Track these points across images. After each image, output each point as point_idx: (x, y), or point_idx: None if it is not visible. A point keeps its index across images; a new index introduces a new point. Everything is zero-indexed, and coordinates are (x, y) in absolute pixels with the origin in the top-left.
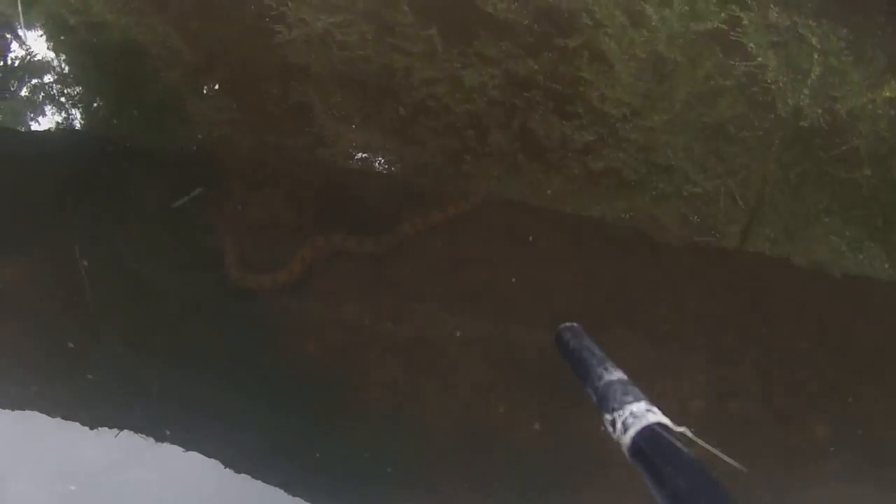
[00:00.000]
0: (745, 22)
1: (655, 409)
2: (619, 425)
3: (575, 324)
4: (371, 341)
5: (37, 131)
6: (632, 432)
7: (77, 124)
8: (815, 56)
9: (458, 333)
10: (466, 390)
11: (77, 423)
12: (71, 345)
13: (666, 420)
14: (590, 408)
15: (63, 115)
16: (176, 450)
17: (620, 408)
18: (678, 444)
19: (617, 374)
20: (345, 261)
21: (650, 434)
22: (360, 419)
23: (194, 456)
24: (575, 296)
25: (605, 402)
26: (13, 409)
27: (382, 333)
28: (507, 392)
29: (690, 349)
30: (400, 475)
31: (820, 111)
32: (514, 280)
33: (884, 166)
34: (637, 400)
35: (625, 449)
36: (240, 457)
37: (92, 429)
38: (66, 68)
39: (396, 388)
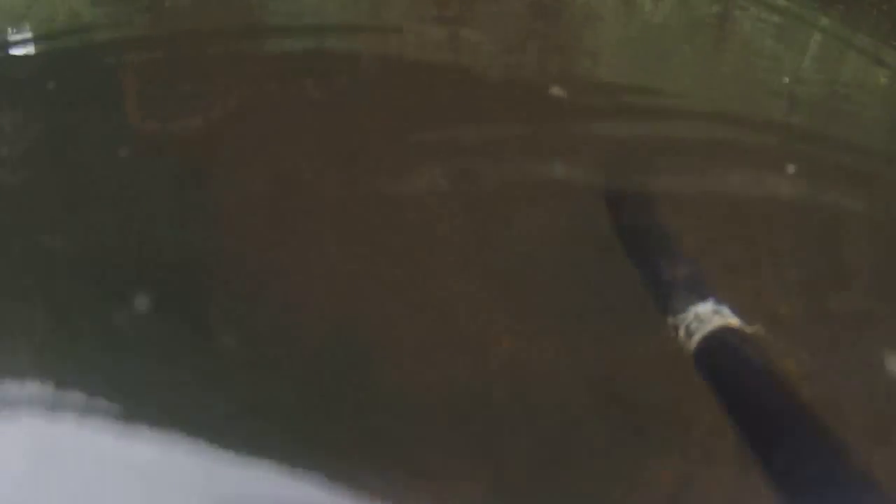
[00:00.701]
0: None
1: (724, 310)
2: (681, 331)
3: (631, 187)
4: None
5: None
6: (697, 338)
7: None
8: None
9: None
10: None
11: None
12: None
13: (735, 321)
14: None
15: None
16: None
17: (684, 310)
18: (748, 349)
19: (683, 265)
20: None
21: (717, 340)
22: None
23: None
24: None
25: (667, 300)
26: None
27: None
28: None
29: None
30: None
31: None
32: None
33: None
34: (702, 299)
35: (690, 357)
36: None
37: None
38: None
39: None
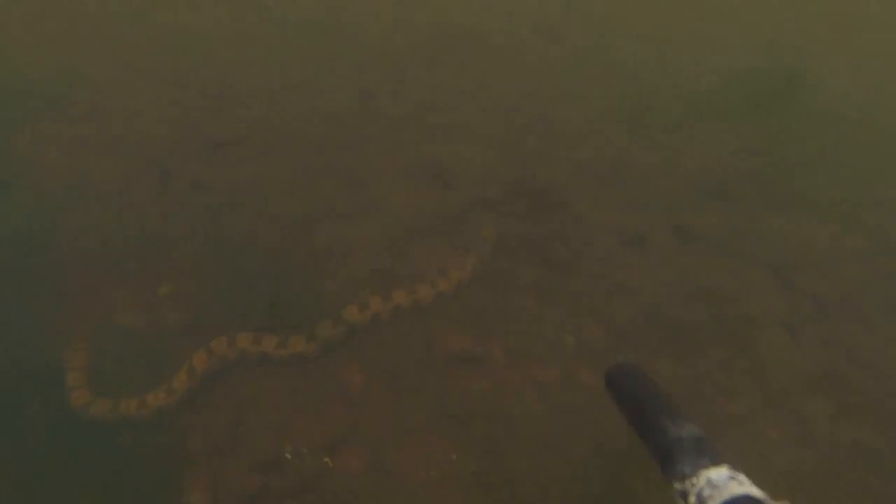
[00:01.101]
0: None
1: (741, 477)
2: (692, 498)
3: (630, 361)
4: None
5: None
6: None
7: None
8: None
9: None
10: None
11: None
12: None
13: (757, 492)
14: None
15: None
16: None
17: (694, 474)
18: None
19: (688, 428)
20: (255, 368)
21: None
22: None
23: None
24: None
25: (671, 464)
26: None
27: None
28: None
29: None
30: None
31: None
32: None
33: None
34: (715, 463)
35: None
36: None
37: None
38: None
39: None
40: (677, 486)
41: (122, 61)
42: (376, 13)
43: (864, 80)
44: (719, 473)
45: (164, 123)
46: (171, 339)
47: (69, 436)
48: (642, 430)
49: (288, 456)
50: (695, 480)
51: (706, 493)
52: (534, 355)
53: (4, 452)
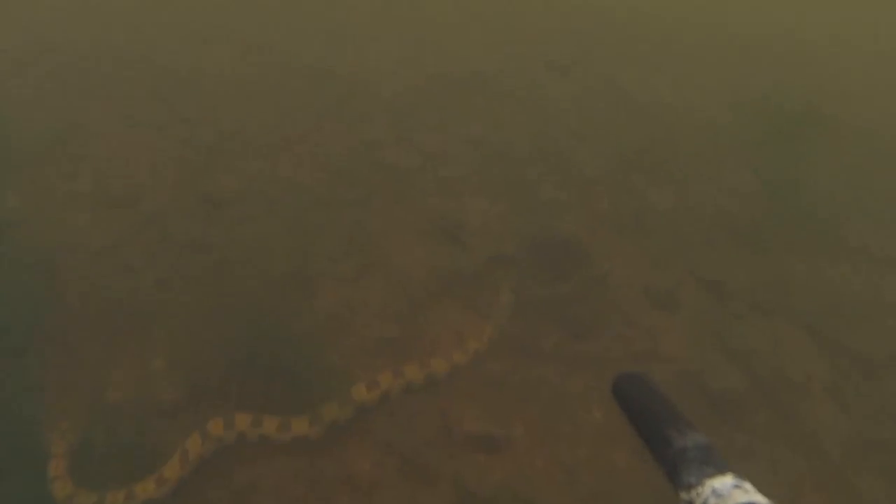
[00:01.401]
0: None
1: (747, 485)
2: None
3: (638, 371)
4: None
5: None
6: None
7: None
8: None
9: None
10: None
11: None
12: None
13: (762, 500)
14: None
15: None
16: None
17: (699, 483)
18: None
19: (693, 437)
20: (255, 452)
21: None
22: None
23: None
24: None
25: (677, 474)
26: None
27: None
28: None
29: None
30: None
31: None
32: None
33: None
34: (720, 471)
35: None
36: None
37: None
38: None
39: None
40: (684, 496)
41: (117, 112)
42: (379, 57)
43: (879, 115)
44: (724, 482)
45: (161, 178)
46: (164, 420)
47: None
48: (649, 442)
49: None
50: (700, 490)
51: (711, 502)
52: (559, 434)
53: None
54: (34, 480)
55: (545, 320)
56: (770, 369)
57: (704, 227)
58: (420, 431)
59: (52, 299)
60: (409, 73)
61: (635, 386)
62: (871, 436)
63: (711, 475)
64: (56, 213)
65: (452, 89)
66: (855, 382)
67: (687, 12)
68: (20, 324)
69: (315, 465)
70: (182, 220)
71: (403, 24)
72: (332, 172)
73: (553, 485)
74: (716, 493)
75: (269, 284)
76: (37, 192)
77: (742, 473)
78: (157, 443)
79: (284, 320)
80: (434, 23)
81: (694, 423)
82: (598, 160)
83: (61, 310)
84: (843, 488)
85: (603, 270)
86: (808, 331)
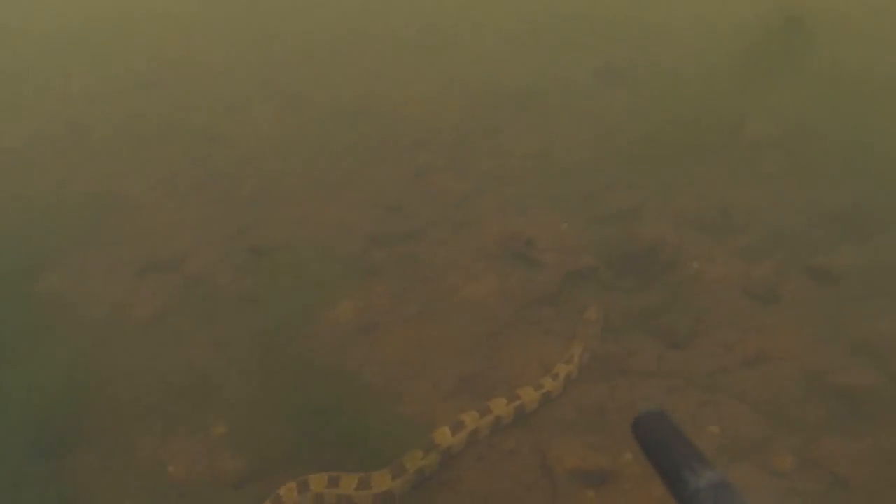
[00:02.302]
0: None
1: None
2: None
3: (655, 409)
4: None
5: None
6: None
7: None
8: None
9: None
10: None
11: None
12: None
13: None
14: None
15: None
16: None
17: None
18: None
19: (707, 477)
20: None
21: None
22: None
23: None
24: None
25: None
26: None
27: None
28: None
29: None
30: None
31: None
32: None
33: None
34: None
35: None
36: None
37: None
38: None
39: None
40: None
41: (155, 177)
42: (420, 88)
43: None
44: None
45: (204, 236)
46: (231, 492)
47: None
48: (667, 482)
49: None
50: None
51: None
52: None
53: None
54: None
55: (638, 334)
56: None
57: (795, 213)
58: (516, 474)
59: (105, 377)
60: (454, 97)
61: (652, 426)
62: None
63: None
64: (99, 288)
65: (501, 108)
66: None
67: None
68: (74, 410)
69: None
70: (230, 276)
71: (440, 51)
72: (383, 208)
73: None
74: None
75: (327, 333)
76: (78, 268)
77: None
78: None
79: (352, 370)
80: (471, 47)
81: (708, 461)
82: (671, 159)
83: (115, 388)
84: None
85: (693, 272)
86: None
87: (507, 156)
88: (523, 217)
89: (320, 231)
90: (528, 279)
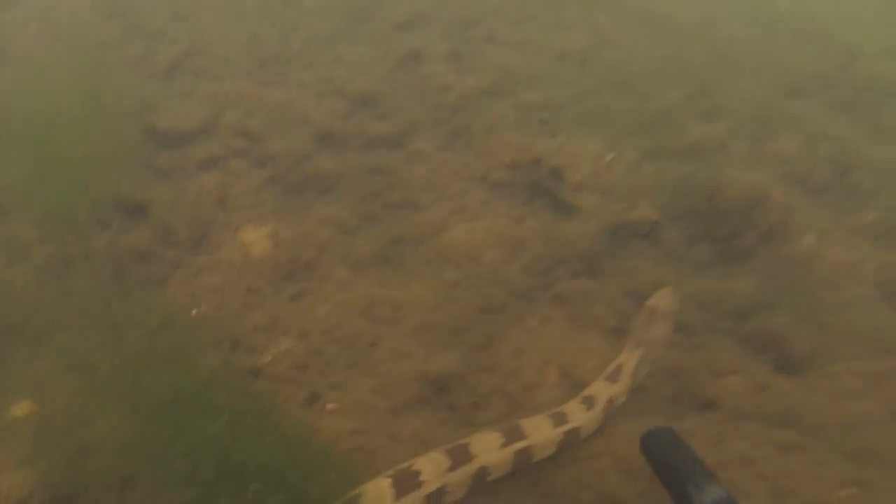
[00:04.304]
0: None
1: None
2: None
3: (667, 427)
4: None
5: None
6: None
7: None
8: None
9: None
10: None
11: None
12: None
13: None
14: None
15: None
16: None
17: None
18: None
19: (711, 493)
20: None
21: None
22: None
23: None
24: None
25: None
26: None
27: None
28: None
29: None
30: None
31: None
32: None
33: None
34: None
35: None
36: None
37: None
38: None
39: None
40: None
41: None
42: None
43: None
44: None
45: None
46: None
47: None
48: (674, 499)
49: None
50: None
51: None
52: None
53: None
54: None
55: (724, 341)
56: None
57: None
58: None
59: None
60: None
61: (660, 443)
62: None
63: None
64: None
65: None
66: None
67: None
68: None
69: None
70: None
71: None
72: (350, 99)
73: None
74: None
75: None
76: None
77: None
78: None
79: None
80: None
81: (713, 476)
82: (769, 88)
83: None
84: None
85: (806, 250)
86: None
87: (537, 52)
88: (551, 138)
89: (252, 119)
90: (553, 228)
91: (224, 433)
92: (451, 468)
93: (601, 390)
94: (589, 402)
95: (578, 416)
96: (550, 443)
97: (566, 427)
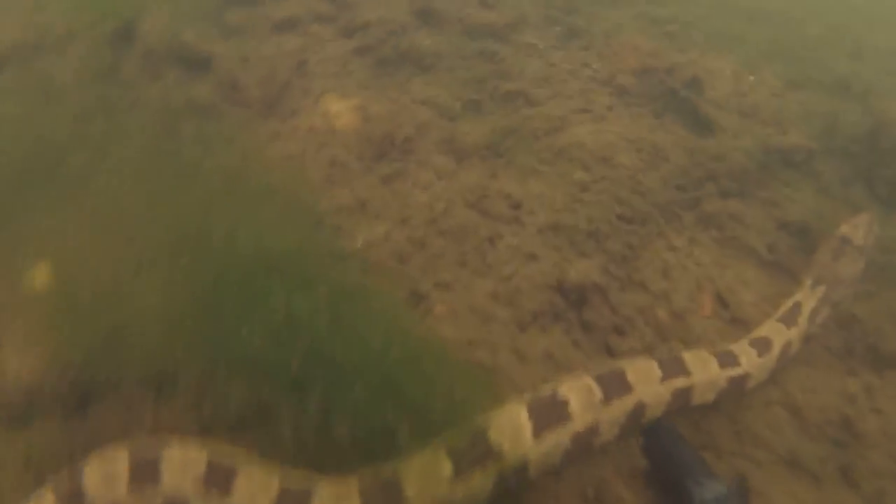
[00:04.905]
0: None
1: None
2: None
3: (667, 423)
4: None
5: None
6: None
7: None
8: None
9: None
10: None
11: None
12: None
13: None
14: None
15: None
16: None
17: None
18: None
19: (710, 488)
20: None
21: None
22: None
23: None
24: None
25: None
26: None
27: None
28: None
29: None
30: None
31: None
32: None
33: None
34: None
35: None
36: None
37: None
38: None
39: None
40: None
41: None
42: None
43: None
44: None
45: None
46: None
47: None
48: (673, 494)
49: None
50: None
51: None
52: None
53: None
54: None
55: None
56: None
57: None
58: None
59: None
60: None
61: (659, 439)
62: None
63: None
64: None
65: None
66: None
67: None
68: None
69: None
70: None
71: None
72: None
73: None
74: None
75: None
76: None
77: None
78: None
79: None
80: None
81: (712, 472)
82: None
83: None
84: None
85: None
86: None
87: None
88: (681, 53)
89: None
90: (693, 141)
91: (306, 322)
92: (605, 400)
93: (775, 333)
94: (761, 346)
95: (751, 359)
96: (713, 387)
97: (734, 371)
